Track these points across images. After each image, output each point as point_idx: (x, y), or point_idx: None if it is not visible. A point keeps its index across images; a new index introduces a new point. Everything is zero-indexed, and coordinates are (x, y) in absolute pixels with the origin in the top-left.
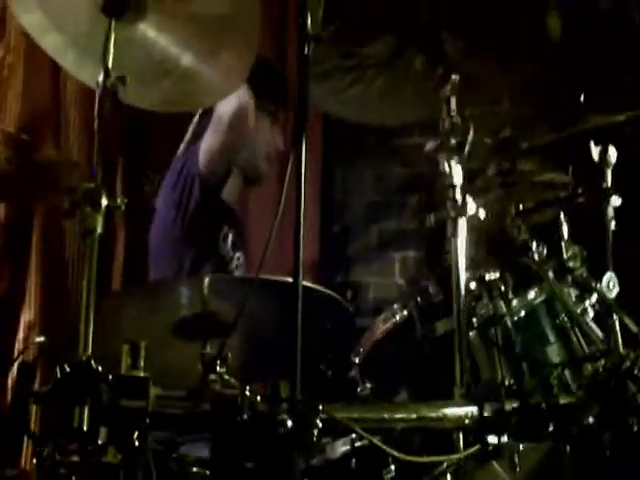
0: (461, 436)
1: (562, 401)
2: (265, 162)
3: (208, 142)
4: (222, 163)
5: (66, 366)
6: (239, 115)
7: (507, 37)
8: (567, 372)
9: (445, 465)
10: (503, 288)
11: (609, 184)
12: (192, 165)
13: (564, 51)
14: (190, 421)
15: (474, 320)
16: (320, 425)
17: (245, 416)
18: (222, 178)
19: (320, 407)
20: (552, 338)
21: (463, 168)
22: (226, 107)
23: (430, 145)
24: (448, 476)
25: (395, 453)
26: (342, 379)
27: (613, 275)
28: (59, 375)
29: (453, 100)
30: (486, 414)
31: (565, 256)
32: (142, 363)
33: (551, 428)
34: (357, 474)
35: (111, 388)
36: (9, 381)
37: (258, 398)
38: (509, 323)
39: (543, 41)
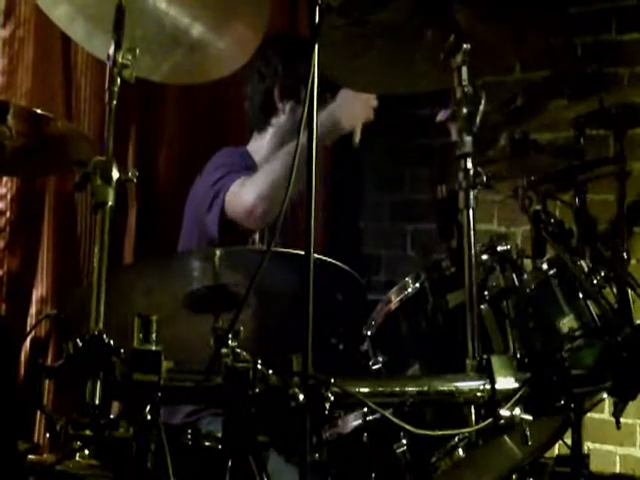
0: (473, 410)
1: (574, 374)
2: None
3: (234, 195)
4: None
5: (78, 340)
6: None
7: (518, 4)
8: (580, 344)
9: (457, 439)
10: (515, 260)
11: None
12: (224, 188)
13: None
14: (202, 395)
15: (486, 293)
16: (332, 399)
17: (257, 390)
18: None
19: (332, 381)
20: (565, 310)
21: (475, 138)
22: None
23: (442, 115)
24: (460, 450)
25: (407, 427)
26: (354, 352)
27: (626, 247)
28: (71, 349)
29: (464, 69)
30: (498, 387)
31: (578, 227)
32: (154, 337)
33: (564, 401)
34: (369, 448)
35: (123, 362)
36: (22, 356)
37: (270, 372)
38: (521, 296)
39: (555, 8)
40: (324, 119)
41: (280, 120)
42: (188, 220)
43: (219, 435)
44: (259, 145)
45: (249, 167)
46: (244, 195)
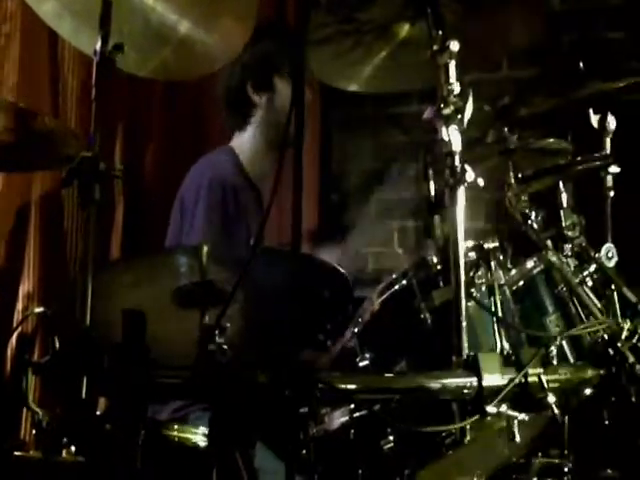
0: (460, 406)
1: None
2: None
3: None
4: None
5: (65, 336)
6: None
7: (504, 2)
8: (566, 342)
9: (444, 435)
10: (502, 257)
11: (608, 152)
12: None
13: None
14: (189, 392)
15: (472, 290)
16: (319, 395)
17: (244, 386)
18: None
19: (319, 377)
20: (550, 308)
21: (462, 136)
22: None
23: (428, 113)
24: (446, 446)
25: (394, 423)
26: (341, 349)
27: (612, 245)
28: (58, 346)
29: (452, 67)
30: (485, 384)
31: (564, 225)
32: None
33: (550, 398)
34: (356, 445)
35: (109, 358)
36: (8, 352)
37: (257, 368)
38: (507, 293)
39: (542, 6)
40: None
41: (259, 114)
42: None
43: (206, 431)
44: (241, 141)
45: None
46: None
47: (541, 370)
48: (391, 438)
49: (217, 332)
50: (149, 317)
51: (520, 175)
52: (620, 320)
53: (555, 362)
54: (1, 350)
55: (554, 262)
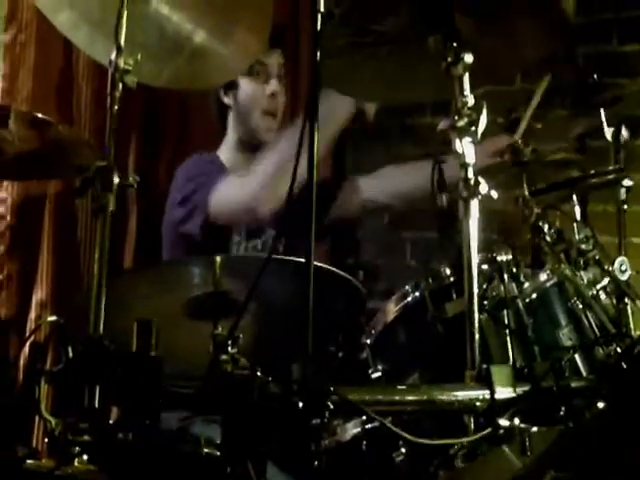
0: (472, 419)
1: (573, 385)
2: (264, 121)
3: (226, 193)
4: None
5: (77, 345)
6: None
7: (519, 14)
8: (578, 356)
9: (456, 448)
10: (515, 270)
11: (622, 165)
12: (202, 200)
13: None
14: (201, 402)
15: (485, 302)
16: (331, 407)
17: (256, 397)
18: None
19: (331, 389)
20: (564, 321)
21: (476, 148)
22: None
23: (443, 124)
24: (459, 459)
25: (406, 436)
26: (353, 361)
27: (625, 258)
28: (71, 354)
29: (466, 79)
30: (497, 397)
31: (577, 238)
32: (153, 342)
33: (562, 412)
34: (368, 456)
35: (122, 367)
36: (21, 360)
37: (269, 379)
38: (521, 306)
39: (556, 18)
40: None
41: (231, 115)
42: (167, 234)
43: (216, 441)
44: (222, 147)
45: (219, 172)
46: (245, 189)
47: (554, 383)
48: (403, 450)
49: (230, 343)
50: (162, 327)
51: (533, 188)
52: (633, 333)
53: (568, 375)
54: (14, 359)
55: (567, 275)
